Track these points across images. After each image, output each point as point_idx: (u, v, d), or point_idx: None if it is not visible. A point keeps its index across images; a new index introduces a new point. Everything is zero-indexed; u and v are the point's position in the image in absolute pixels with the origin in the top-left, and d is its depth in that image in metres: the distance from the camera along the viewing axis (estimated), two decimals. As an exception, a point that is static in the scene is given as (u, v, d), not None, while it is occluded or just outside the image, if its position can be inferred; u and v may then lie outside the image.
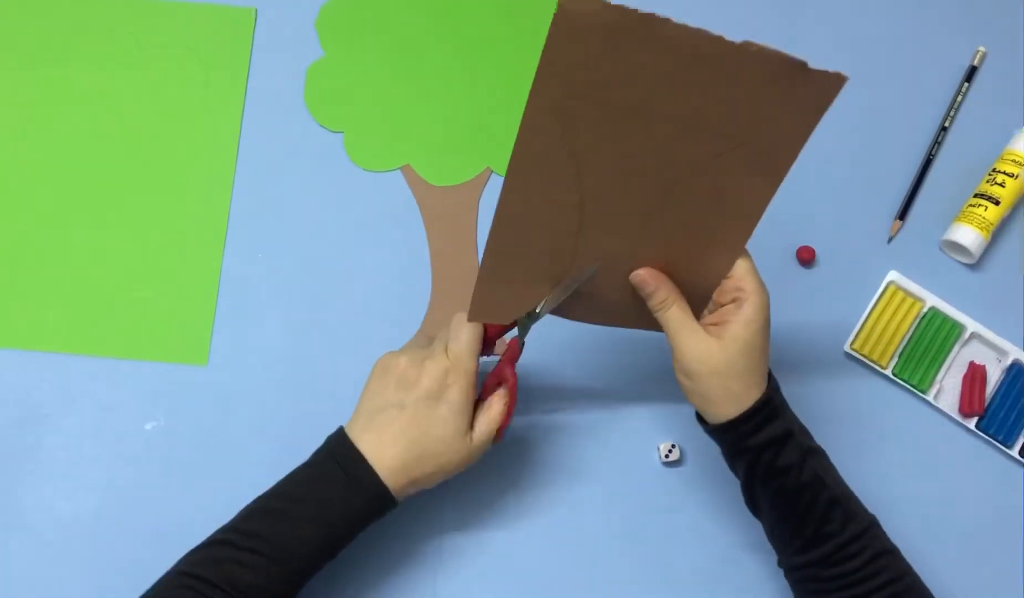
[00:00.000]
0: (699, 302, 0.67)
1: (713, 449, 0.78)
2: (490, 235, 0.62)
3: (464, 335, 0.67)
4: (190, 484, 0.77)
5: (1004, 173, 0.82)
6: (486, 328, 0.69)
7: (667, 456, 0.77)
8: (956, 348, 0.81)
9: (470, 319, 0.67)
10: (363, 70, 0.86)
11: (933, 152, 0.86)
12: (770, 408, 0.64)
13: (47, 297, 0.80)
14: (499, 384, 0.70)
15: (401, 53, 0.87)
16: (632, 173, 0.60)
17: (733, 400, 0.64)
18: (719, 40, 0.53)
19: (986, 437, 0.80)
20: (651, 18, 0.51)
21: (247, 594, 0.62)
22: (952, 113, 0.87)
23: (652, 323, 0.67)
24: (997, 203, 0.82)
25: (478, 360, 0.68)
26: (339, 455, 0.66)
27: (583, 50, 0.53)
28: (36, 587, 0.74)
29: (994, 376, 0.81)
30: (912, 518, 0.77)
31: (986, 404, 0.80)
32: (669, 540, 0.77)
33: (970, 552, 0.78)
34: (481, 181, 0.84)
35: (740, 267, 0.64)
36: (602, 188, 0.61)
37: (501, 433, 0.69)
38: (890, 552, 0.66)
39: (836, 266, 0.84)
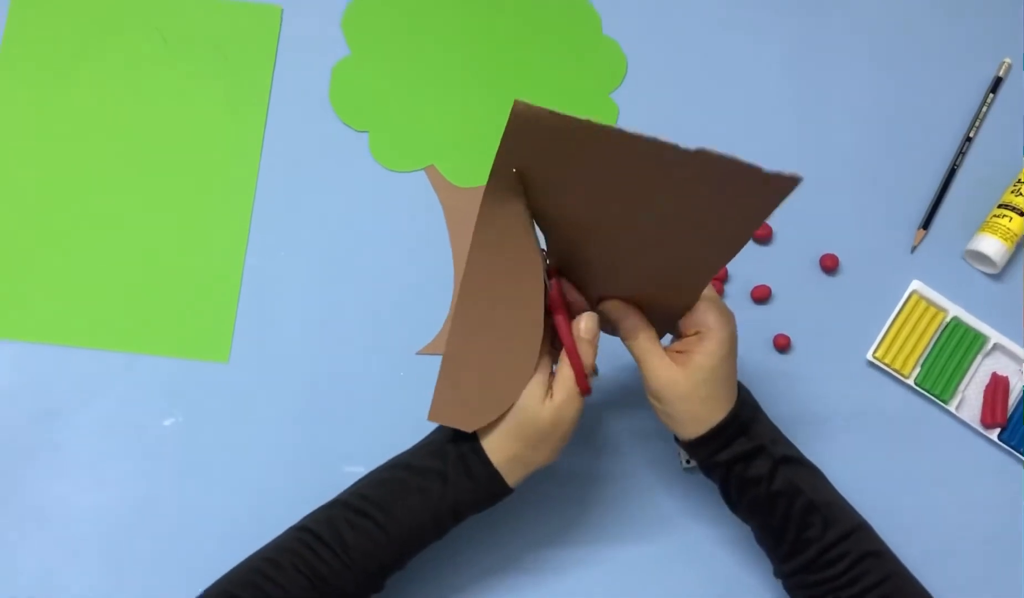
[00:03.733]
0: (665, 326, 0.68)
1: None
2: (452, 327, 0.63)
3: None
4: (208, 481, 0.76)
5: (1029, 184, 0.83)
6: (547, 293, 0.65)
7: (688, 461, 0.77)
8: (979, 358, 0.81)
9: (430, 418, 0.66)
10: (388, 70, 0.86)
11: (957, 162, 0.86)
12: (737, 425, 0.66)
13: (69, 292, 0.80)
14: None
15: (426, 53, 0.87)
16: (591, 243, 0.62)
17: (698, 421, 0.65)
18: (671, 148, 0.52)
19: (1008, 448, 0.80)
20: (599, 128, 0.52)
21: (352, 556, 0.63)
22: (977, 124, 0.87)
23: None
24: (1021, 214, 0.82)
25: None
26: (460, 440, 0.66)
27: (537, 146, 0.55)
28: (54, 581, 0.74)
29: (1016, 387, 0.81)
30: (932, 527, 0.77)
31: (1008, 415, 0.80)
32: (690, 545, 0.77)
33: (989, 562, 0.78)
34: (505, 183, 0.84)
35: (702, 303, 0.65)
36: (564, 253, 0.64)
37: (585, 386, 0.66)
38: (876, 554, 0.66)
39: (859, 274, 0.84)
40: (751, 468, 0.66)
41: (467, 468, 0.65)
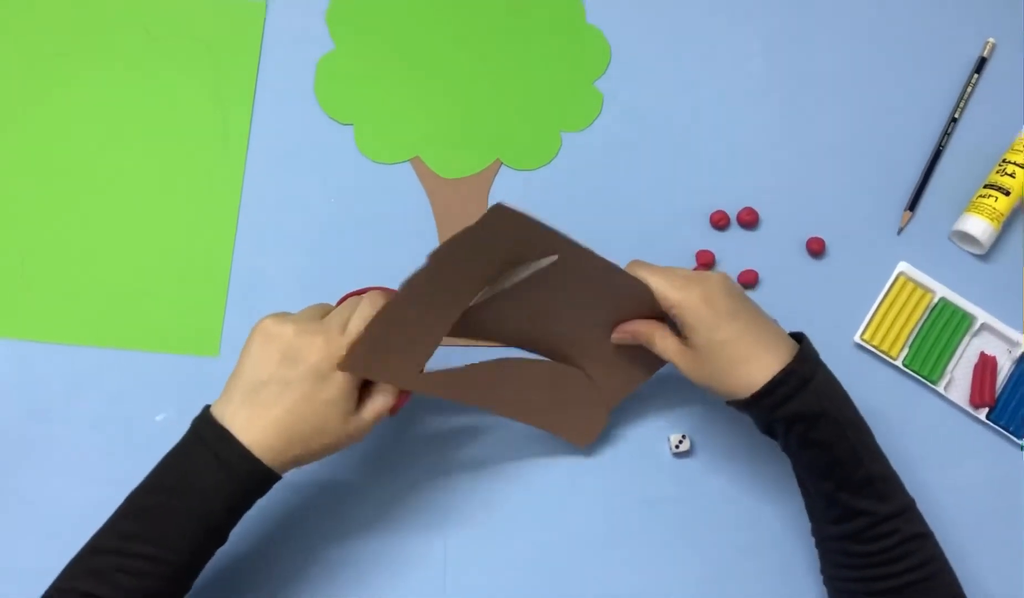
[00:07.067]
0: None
1: (723, 441, 0.79)
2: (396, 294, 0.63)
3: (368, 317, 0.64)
4: (201, 475, 0.77)
5: (1014, 163, 0.82)
6: None
7: (677, 447, 0.77)
8: (966, 339, 0.81)
9: (340, 367, 0.62)
10: (373, 63, 0.86)
11: (943, 143, 0.86)
12: (795, 381, 0.64)
13: (57, 289, 0.80)
14: None
15: (411, 45, 0.87)
16: (548, 326, 0.70)
17: (739, 389, 0.65)
18: (414, 278, 0.61)
19: (997, 428, 0.80)
20: (403, 290, 0.62)
21: None
22: (962, 104, 0.87)
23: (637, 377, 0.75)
24: (1007, 193, 0.82)
25: None
26: (208, 438, 0.61)
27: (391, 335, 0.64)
28: (45, 579, 0.74)
29: (1005, 367, 0.81)
30: (922, 508, 0.76)
31: (997, 395, 0.80)
32: (679, 531, 0.77)
33: (979, 543, 0.78)
34: (491, 173, 0.84)
35: (653, 284, 0.66)
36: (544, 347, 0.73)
37: (396, 411, 0.67)
38: (922, 536, 0.66)
39: (846, 257, 0.84)
40: (813, 431, 0.64)
41: (235, 470, 0.60)
